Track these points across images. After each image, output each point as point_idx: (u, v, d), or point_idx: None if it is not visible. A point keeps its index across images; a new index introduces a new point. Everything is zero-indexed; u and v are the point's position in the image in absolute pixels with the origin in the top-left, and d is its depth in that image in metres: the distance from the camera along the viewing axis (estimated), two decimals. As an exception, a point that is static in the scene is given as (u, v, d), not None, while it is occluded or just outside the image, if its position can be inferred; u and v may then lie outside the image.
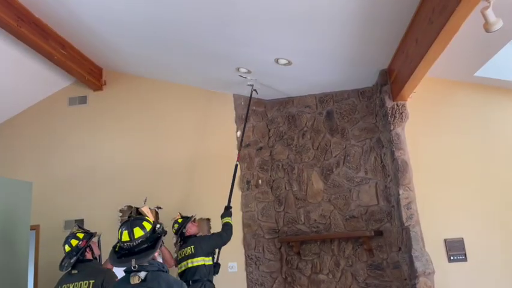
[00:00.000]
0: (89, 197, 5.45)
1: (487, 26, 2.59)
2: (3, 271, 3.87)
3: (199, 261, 3.94)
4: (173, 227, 4.25)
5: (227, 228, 4.16)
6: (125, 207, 5.35)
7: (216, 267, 4.20)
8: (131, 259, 2.16)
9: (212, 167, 5.26)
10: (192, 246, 4.00)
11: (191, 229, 4.20)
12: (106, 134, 5.64)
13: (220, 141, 5.36)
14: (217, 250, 4.27)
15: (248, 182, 5.17)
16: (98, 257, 3.44)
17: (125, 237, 2.23)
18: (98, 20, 4.23)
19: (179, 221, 4.25)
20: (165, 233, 2.42)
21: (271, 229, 5.03)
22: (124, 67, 5.59)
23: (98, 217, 5.32)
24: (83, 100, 5.81)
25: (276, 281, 4.88)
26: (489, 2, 2.50)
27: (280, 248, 4.99)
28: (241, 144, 4.96)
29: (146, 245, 2.23)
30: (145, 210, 2.95)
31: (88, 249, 3.14)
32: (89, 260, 3.14)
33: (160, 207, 5.25)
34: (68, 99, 5.86)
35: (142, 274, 2.17)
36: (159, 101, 5.64)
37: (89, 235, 3.24)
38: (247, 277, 4.92)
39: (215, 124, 5.43)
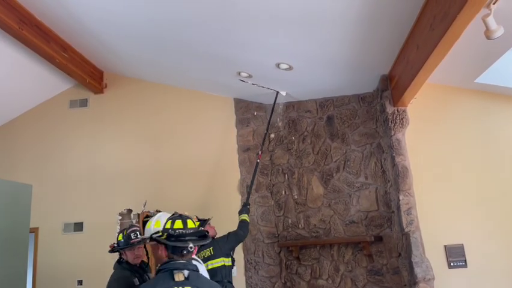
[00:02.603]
0: (89, 200, 5.45)
1: (488, 33, 2.60)
2: (2, 273, 3.86)
3: (218, 262, 3.86)
4: None
5: (243, 226, 4.11)
6: (125, 211, 5.34)
7: (247, 205, 4.25)
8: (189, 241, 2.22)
9: (212, 170, 5.26)
10: (211, 248, 3.90)
11: (209, 232, 4.10)
12: (106, 137, 5.65)
13: (221, 145, 5.36)
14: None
15: (248, 187, 5.17)
16: None
17: (178, 225, 2.30)
18: (99, 23, 4.24)
19: (197, 224, 4.14)
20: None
21: (270, 233, 5.03)
22: (125, 70, 5.60)
23: (98, 220, 5.32)
24: (84, 103, 5.83)
25: (275, 285, 4.87)
26: (490, 10, 2.51)
27: (279, 252, 4.98)
28: (263, 143, 4.94)
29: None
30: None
31: None
32: None
33: (159, 211, 5.24)
34: (69, 101, 5.88)
35: (186, 272, 2.17)
36: (160, 104, 5.65)
37: None
38: (246, 282, 4.91)
39: (216, 128, 5.43)
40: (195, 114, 5.53)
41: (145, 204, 5.26)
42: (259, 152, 4.84)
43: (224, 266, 3.88)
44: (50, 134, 5.79)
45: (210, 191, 5.23)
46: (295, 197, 5.01)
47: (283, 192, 5.11)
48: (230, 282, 3.91)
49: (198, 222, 4.05)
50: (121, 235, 3.14)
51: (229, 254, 3.98)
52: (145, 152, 5.50)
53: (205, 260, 3.86)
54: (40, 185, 5.43)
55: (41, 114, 5.90)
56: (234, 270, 4.91)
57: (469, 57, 3.61)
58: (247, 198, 4.49)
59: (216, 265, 3.85)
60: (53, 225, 5.42)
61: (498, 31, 2.56)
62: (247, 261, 4.97)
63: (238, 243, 4.16)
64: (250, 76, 4.65)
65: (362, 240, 4.38)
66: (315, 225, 4.83)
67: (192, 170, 5.34)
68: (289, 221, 5.00)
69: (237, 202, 5.04)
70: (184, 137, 5.49)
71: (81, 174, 5.54)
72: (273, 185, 5.18)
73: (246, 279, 4.92)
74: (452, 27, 2.52)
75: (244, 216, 4.20)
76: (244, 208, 4.31)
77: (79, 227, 5.38)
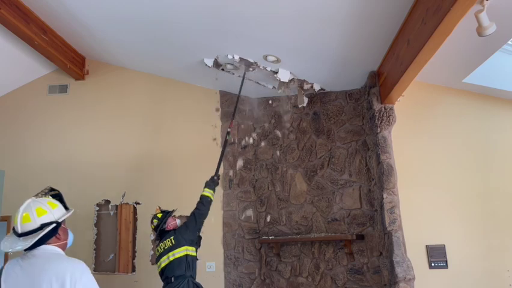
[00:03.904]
0: (66, 189, 5.12)
1: (480, 30, 2.56)
2: (-32, 262, 3.70)
3: (181, 251, 3.60)
4: (152, 222, 3.90)
5: (200, 204, 3.78)
6: (103, 202, 5.19)
7: (199, 239, 3.88)
8: None
9: (195, 163, 5.15)
10: (172, 238, 3.67)
11: (171, 224, 3.85)
12: (86, 125, 5.47)
13: (204, 137, 5.25)
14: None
15: (230, 181, 5.07)
16: None
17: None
18: (83, 6, 4.09)
19: (159, 215, 3.90)
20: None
21: (251, 229, 4.94)
22: (108, 57, 5.43)
23: (74, 210, 5.14)
24: (63, 89, 5.64)
25: (254, 282, 4.80)
26: (483, 6, 2.47)
27: (260, 248, 4.90)
28: (235, 111, 4.45)
29: None
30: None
31: None
32: None
33: (138, 203, 5.12)
34: (48, 87, 5.68)
35: None
36: (143, 94, 5.50)
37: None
38: (225, 277, 4.82)
39: (199, 120, 5.32)
40: (179, 105, 5.41)
41: (123, 196, 5.13)
42: (231, 121, 4.40)
43: (187, 255, 3.60)
44: (27, 120, 5.58)
45: (191, 184, 5.11)
46: (278, 192, 4.94)
47: (266, 187, 5.03)
48: (193, 277, 3.63)
49: (161, 214, 3.91)
50: None
51: (193, 241, 3.70)
52: (126, 142, 5.35)
53: (166, 251, 3.63)
54: (14, 172, 5.25)
55: (18, 99, 5.68)
56: (213, 266, 4.84)
57: (457, 57, 3.60)
58: (217, 170, 4.07)
59: (177, 255, 3.58)
60: (27, 214, 5.22)
61: (490, 28, 2.53)
62: (226, 257, 4.87)
63: (201, 225, 3.75)
64: (236, 68, 4.56)
65: (344, 238, 4.33)
66: (297, 221, 4.76)
67: (173, 161, 5.22)
68: (271, 217, 4.93)
69: (218, 195, 4.93)
70: (166, 128, 5.35)
71: (58, 162, 5.35)
72: (256, 180, 5.10)
73: (225, 275, 4.82)
74: (445, 21, 2.48)
75: (206, 192, 3.85)
76: (210, 181, 3.93)
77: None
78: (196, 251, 3.78)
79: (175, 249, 3.62)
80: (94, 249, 5.05)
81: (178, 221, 3.91)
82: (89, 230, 5.09)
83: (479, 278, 3.75)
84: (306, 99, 4.87)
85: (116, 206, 5.14)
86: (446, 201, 3.94)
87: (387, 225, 3.86)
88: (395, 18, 3.17)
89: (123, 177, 5.21)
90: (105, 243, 5.08)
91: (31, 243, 1.90)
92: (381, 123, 4.06)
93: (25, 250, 1.94)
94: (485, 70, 3.82)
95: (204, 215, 3.80)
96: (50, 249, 1.98)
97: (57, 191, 2.22)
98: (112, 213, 5.14)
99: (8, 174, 4.91)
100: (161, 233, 3.82)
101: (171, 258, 3.60)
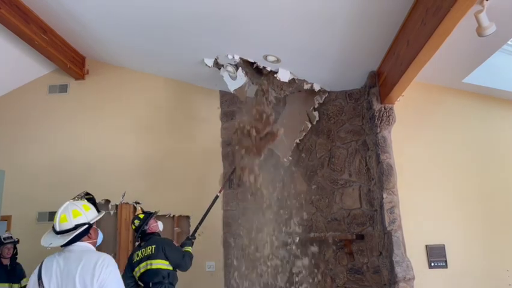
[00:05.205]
0: (66, 188, 5.23)
1: (479, 30, 2.57)
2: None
3: (158, 263, 3.56)
4: (133, 223, 3.83)
5: (188, 257, 3.75)
6: (103, 201, 5.19)
7: (191, 239, 3.95)
8: None
9: (195, 163, 5.16)
10: (153, 246, 3.61)
11: (153, 226, 3.82)
12: (85, 125, 5.48)
13: (204, 137, 5.26)
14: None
15: (230, 181, 5.07)
16: None
17: None
18: (82, 6, 4.09)
19: (141, 216, 3.83)
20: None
21: (251, 229, 4.94)
22: (108, 57, 5.44)
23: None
24: (63, 89, 5.65)
25: (255, 282, 4.80)
26: (483, 6, 2.48)
27: (260, 248, 4.91)
28: (227, 180, 4.67)
29: None
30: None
31: None
32: None
33: (138, 202, 5.12)
34: (48, 87, 5.69)
35: None
36: (143, 93, 5.51)
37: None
38: (224, 277, 4.82)
39: (200, 119, 5.33)
40: (179, 105, 5.41)
41: (123, 195, 5.13)
42: (221, 187, 4.61)
43: (162, 269, 3.56)
44: (27, 120, 5.59)
45: (191, 185, 5.13)
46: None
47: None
48: (172, 283, 3.59)
49: (143, 215, 3.84)
50: None
51: (170, 264, 3.63)
52: (126, 142, 5.35)
53: (146, 258, 3.59)
54: (14, 172, 5.24)
55: (18, 99, 5.69)
56: (213, 266, 4.85)
57: (457, 57, 3.60)
58: (194, 231, 4.18)
59: (154, 266, 3.55)
60: (27, 213, 5.23)
61: (490, 28, 2.53)
62: (226, 257, 4.88)
63: (176, 267, 3.68)
64: (237, 68, 4.55)
65: (344, 238, 4.33)
66: (297, 221, 4.76)
67: (173, 162, 5.23)
68: (271, 217, 4.93)
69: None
70: (166, 127, 5.36)
71: (58, 162, 5.36)
72: (256, 180, 5.09)
73: (225, 274, 4.83)
74: (444, 21, 2.48)
75: (189, 248, 3.88)
76: (188, 241, 3.98)
77: (53, 216, 5.20)
78: (175, 269, 3.70)
79: (153, 259, 3.56)
80: (94, 249, 5.05)
81: (159, 224, 3.91)
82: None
83: (478, 278, 3.76)
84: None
85: (116, 205, 5.15)
86: (446, 201, 3.94)
87: (387, 225, 3.86)
88: (395, 18, 3.17)
89: (123, 177, 5.21)
90: (105, 243, 5.05)
91: (67, 240, 2.20)
92: (381, 123, 4.06)
93: (61, 246, 2.24)
94: (485, 70, 3.82)
95: (187, 267, 3.72)
96: (82, 245, 2.26)
97: (92, 195, 2.52)
98: (112, 212, 5.15)
99: (8, 174, 4.91)
100: (142, 234, 3.77)
101: (148, 267, 3.56)
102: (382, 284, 4.09)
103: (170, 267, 3.62)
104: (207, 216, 4.32)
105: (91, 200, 2.48)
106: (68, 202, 2.34)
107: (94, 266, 2.11)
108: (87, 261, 2.14)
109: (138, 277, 3.65)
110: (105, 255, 2.22)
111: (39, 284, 2.15)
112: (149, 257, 3.58)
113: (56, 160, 5.38)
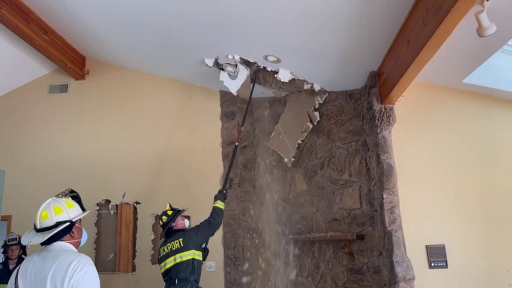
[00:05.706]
0: (66, 188, 5.26)
1: (480, 31, 2.57)
2: (-31, 262, 3.71)
3: (188, 255, 3.51)
4: (161, 218, 3.79)
5: (214, 214, 3.74)
6: (103, 201, 5.20)
7: (205, 252, 3.82)
8: None
9: (195, 163, 5.16)
10: (181, 239, 3.56)
11: (180, 223, 3.78)
12: (86, 125, 5.48)
13: (205, 137, 5.26)
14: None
15: (231, 181, 5.07)
16: None
17: None
18: (82, 7, 4.09)
19: (170, 213, 3.80)
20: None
21: (252, 229, 4.95)
22: (108, 57, 5.44)
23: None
24: (64, 88, 5.65)
25: (255, 282, 4.80)
26: (483, 6, 2.48)
27: (260, 248, 4.91)
28: (243, 124, 4.47)
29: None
30: None
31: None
32: None
33: (138, 202, 5.13)
34: (49, 86, 5.70)
35: None
36: (143, 93, 5.51)
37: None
38: (225, 277, 4.82)
39: (200, 119, 5.33)
40: (180, 105, 5.42)
41: (123, 196, 5.13)
42: (239, 133, 4.44)
43: (194, 259, 3.53)
44: (28, 120, 5.60)
45: (191, 184, 5.12)
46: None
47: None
48: (196, 281, 3.55)
49: (171, 211, 3.81)
50: None
51: (200, 246, 3.66)
52: (126, 142, 5.36)
53: (173, 253, 3.55)
54: (14, 172, 5.24)
55: (19, 99, 5.70)
56: (213, 266, 4.85)
57: (457, 58, 3.60)
58: (225, 183, 4.13)
59: (185, 258, 3.51)
60: (28, 213, 5.18)
61: (490, 28, 2.53)
62: (226, 257, 4.88)
63: (211, 234, 3.76)
64: (237, 68, 4.56)
65: (344, 238, 4.33)
66: (297, 221, 4.76)
67: (173, 161, 5.23)
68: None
69: (218, 196, 4.94)
70: (167, 128, 5.37)
71: (58, 162, 5.36)
72: (256, 180, 5.10)
73: (225, 275, 4.83)
74: (445, 22, 2.48)
75: (219, 204, 3.84)
76: (220, 194, 3.93)
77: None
78: (204, 257, 3.73)
79: (182, 251, 3.53)
80: (94, 249, 5.06)
81: (186, 221, 3.85)
82: (89, 229, 5.09)
83: (479, 278, 3.75)
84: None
85: (117, 205, 5.15)
86: (446, 201, 3.94)
87: (387, 225, 3.86)
88: (395, 18, 3.17)
89: (123, 177, 5.21)
90: (105, 242, 5.09)
91: (46, 238, 2.09)
92: (381, 123, 4.06)
93: (42, 244, 2.12)
94: (485, 70, 3.81)
95: (218, 224, 3.75)
96: (63, 245, 2.14)
97: (76, 193, 2.39)
98: (112, 212, 5.15)
99: (8, 174, 4.91)
100: (168, 231, 3.74)
101: (178, 261, 3.52)
102: (382, 284, 4.09)
103: (201, 257, 3.61)
104: None
105: (76, 197, 2.35)
106: (50, 199, 2.23)
107: (67, 267, 1.98)
108: (61, 262, 2.01)
109: (162, 273, 3.60)
110: (82, 255, 2.08)
111: (15, 284, 2.05)
112: (178, 251, 3.53)
113: (56, 160, 5.38)
